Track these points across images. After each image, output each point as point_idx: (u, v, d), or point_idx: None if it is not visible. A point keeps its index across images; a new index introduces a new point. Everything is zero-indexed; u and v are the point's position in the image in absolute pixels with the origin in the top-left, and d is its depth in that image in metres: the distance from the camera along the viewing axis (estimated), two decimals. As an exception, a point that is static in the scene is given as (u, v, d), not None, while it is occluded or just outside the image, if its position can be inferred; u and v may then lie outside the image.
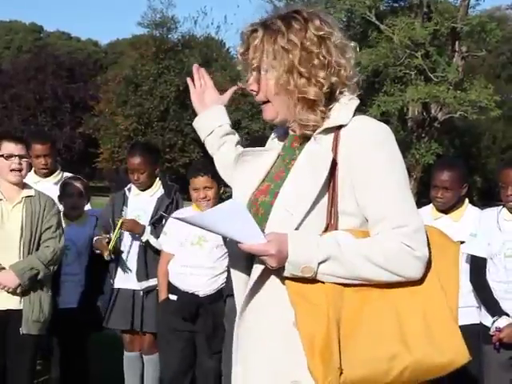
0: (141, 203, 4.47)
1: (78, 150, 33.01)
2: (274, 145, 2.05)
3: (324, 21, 1.89)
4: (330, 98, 1.88)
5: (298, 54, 1.84)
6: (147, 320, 4.35)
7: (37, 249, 3.79)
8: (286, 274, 1.78)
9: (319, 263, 1.75)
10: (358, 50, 1.98)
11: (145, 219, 4.39)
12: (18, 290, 3.71)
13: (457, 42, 24.11)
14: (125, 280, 4.41)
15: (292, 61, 1.85)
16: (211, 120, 2.23)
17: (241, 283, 1.94)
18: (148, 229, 4.33)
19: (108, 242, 4.22)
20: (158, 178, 4.55)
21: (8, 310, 3.72)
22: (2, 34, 55.24)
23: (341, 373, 1.68)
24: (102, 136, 29.39)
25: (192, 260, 4.03)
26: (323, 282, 1.77)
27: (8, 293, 3.71)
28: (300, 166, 1.86)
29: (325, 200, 1.81)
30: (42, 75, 33.97)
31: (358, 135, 1.83)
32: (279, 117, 1.93)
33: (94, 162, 30.34)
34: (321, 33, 1.85)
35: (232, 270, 2.00)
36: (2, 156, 3.74)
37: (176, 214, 4.15)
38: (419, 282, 1.79)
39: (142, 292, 4.36)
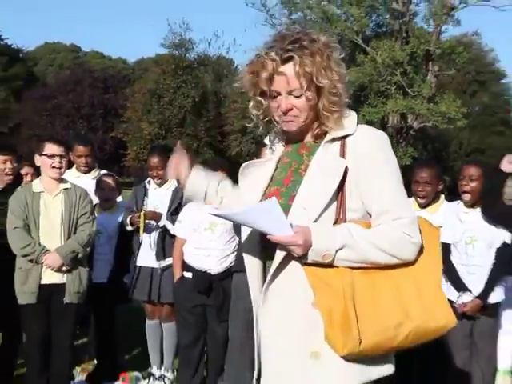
0: (158, 196, 4.52)
1: (109, 151, 33.03)
2: (274, 154, 2.03)
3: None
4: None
5: (339, 69, 1.85)
6: (164, 292, 4.39)
7: (74, 232, 3.83)
8: (309, 260, 1.78)
9: (337, 250, 1.77)
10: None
11: (162, 209, 4.45)
12: (63, 269, 3.76)
13: (430, 63, 24.02)
14: (145, 259, 4.46)
15: (340, 75, 1.84)
16: (196, 188, 2.08)
17: (254, 271, 1.94)
18: (164, 216, 4.39)
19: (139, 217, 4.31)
20: (172, 174, 4.58)
21: (52, 283, 3.76)
22: (47, 54, 55.26)
23: (359, 342, 1.72)
24: (130, 139, 29.36)
25: (205, 243, 4.03)
26: (337, 267, 1.79)
27: (53, 271, 3.75)
28: (313, 172, 1.86)
29: (336, 200, 1.83)
30: (79, 88, 34.01)
31: (363, 142, 1.85)
32: (304, 126, 1.90)
33: (123, 161, 30.32)
34: (341, 56, 1.87)
35: (246, 256, 1.95)
36: (46, 155, 3.79)
37: (189, 205, 4.15)
38: (412, 262, 1.83)
39: (159, 270, 4.41)
